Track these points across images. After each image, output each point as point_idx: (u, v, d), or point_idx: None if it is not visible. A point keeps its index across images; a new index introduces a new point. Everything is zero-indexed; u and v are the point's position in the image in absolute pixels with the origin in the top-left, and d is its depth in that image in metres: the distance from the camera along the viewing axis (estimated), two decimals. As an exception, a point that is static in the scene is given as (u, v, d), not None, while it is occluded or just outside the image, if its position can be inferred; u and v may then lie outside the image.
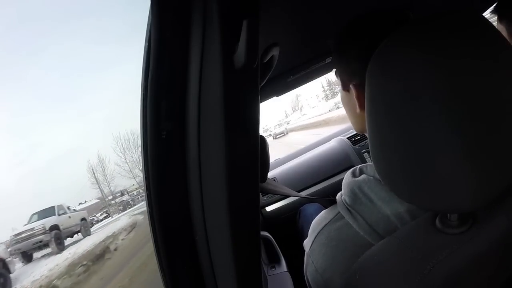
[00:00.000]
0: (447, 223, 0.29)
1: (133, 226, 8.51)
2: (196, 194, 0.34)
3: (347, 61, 0.43)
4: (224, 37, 0.28)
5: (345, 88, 0.45)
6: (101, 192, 21.15)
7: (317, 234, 0.42)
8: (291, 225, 1.21)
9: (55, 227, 7.93)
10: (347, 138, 1.41)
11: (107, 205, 21.41)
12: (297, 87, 1.08)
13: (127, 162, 21.33)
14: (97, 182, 20.69)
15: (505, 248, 0.28)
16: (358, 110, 0.43)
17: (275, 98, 1.12)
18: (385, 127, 0.29)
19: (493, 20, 0.68)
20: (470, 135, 0.25)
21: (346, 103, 0.47)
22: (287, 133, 18.98)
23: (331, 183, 1.28)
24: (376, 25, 0.40)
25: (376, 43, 0.38)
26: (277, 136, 18.24)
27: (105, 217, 18.05)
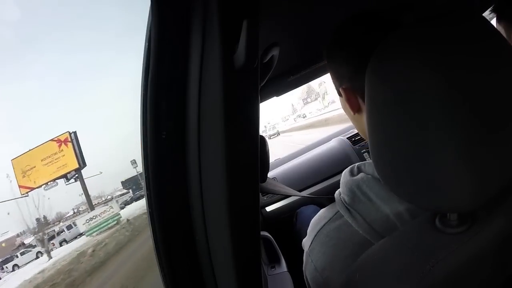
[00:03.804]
0: (447, 222, 0.29)
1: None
2: (196, 194, 0.34)
3: (335, 66, 0.44)
4: (224, 37, 0.28)
5: (338, 93, 0.46)
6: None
7: (317, 233, 0.42)
8: (291, 225, 1.21)
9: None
10: (347, 138, 1.41)
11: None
12: (297, 87, 1.08)
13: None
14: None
15: (504, 247, 0.28)
16: (352, 113, 0.44)
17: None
18: (384, 127, 0.29)
19: (493, 21, 0.68)
20: (469, 135, 0.25)
21: (343, 107, 0.48)
22: (278, 134, 25.08)
23: (331, 183, 1.28)
24: (362, 29, 0.41)
25: (362, 47, 0.40)
26: (271, 137, 23.96)
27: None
